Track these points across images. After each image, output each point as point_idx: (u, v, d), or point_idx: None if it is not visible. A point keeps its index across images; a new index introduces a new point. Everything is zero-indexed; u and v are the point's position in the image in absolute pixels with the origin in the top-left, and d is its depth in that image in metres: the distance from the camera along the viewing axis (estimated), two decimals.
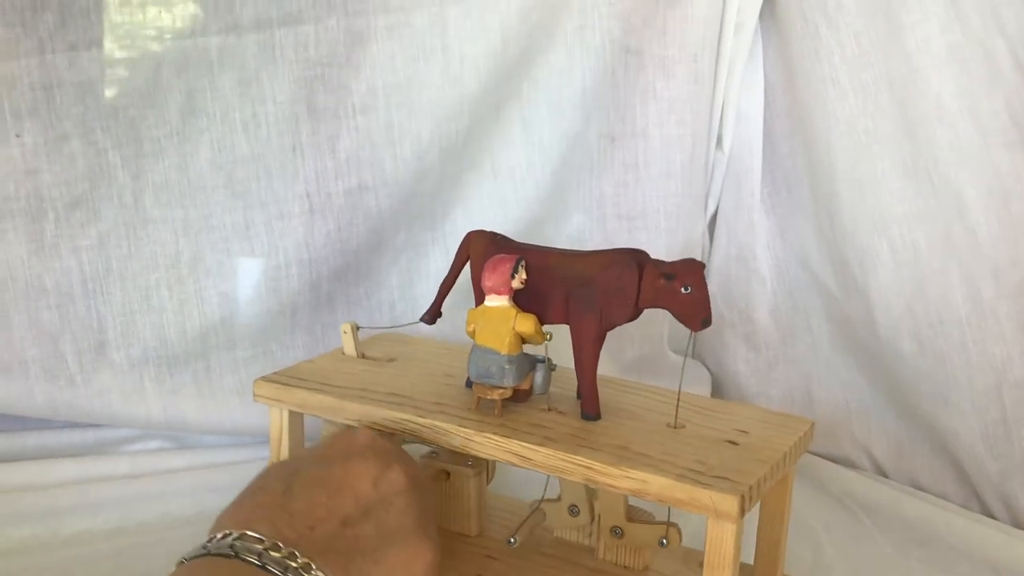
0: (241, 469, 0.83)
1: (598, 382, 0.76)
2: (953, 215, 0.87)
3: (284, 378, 0.76)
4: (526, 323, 0.69)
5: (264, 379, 0.76)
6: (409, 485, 0.61)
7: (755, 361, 1.06)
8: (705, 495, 0.60)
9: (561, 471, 0.65)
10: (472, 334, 0.70)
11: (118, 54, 0.84)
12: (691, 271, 0.66)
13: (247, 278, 0.91)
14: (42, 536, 0.82)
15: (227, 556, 0.52)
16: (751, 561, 0.74)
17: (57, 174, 0.85)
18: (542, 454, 0.65)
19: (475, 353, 0.70)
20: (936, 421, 0.91)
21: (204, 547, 0.53)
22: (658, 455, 0.64)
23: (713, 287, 1.08)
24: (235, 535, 0.53)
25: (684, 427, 0.69)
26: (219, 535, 0.54)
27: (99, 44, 0.83)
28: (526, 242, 0.75)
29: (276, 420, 0.77)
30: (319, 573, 0.53)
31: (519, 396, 0.72)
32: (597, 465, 0.63)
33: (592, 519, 0.76)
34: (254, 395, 0.76)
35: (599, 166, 1.02)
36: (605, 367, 1.02)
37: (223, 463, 0.91)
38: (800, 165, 1.00)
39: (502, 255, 0.70)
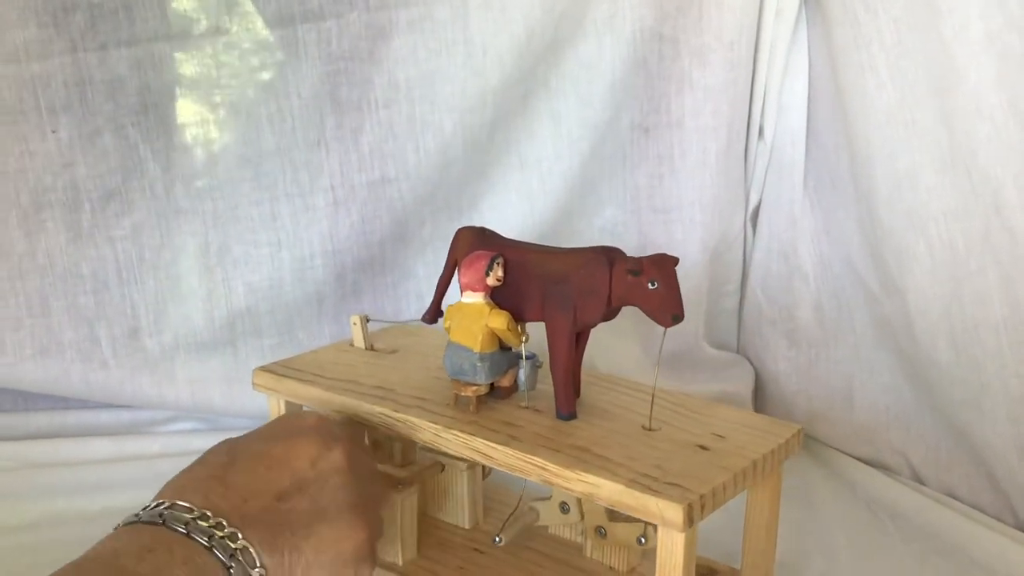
0: None
1: (588, 379, 0.76)
2: (991, 213, 0.82)
3: (280, 368, 0.78)
4: (498, 320, 0.68)
5: (262, 368, 0.78)
6: (347, 466, 0.61)
7: (796, 359, 1.02)
8: (652, 502, 0.58)
9: (520, 471, 0.64)
10: (448, 330, 0.70)
11: (145, 52, 0.88)
12: (657, 266, 0.64)
13: (273, 268, 0.94)
14: (74, 510, 0.87)
15: (155, 524, 0.54)
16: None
17: (91, 167, 0.89)
18: (503, 453, 0.65)
19: (449, 349, 0.70)
20: (971, 429, 0.86)
21: (136, 515, 0.55)
22: (618, 458, 0.63)
23: (753, 282, 1.05)
24: (166, 504, 0.55)
25: (658, 429, 0.68)
26: (153, 504, 0.56)
27: (128, 43, 0.87)
28: (517, 239, 0.74)
29: (274, 409, 0.79)
30: (245, 543, 0.55)
31: (501, 392, 0.72)
32: (552, 467, 0.62)
33: (582, 517, 0.75)
34: (253, 384, 0.78)
35: (632, 158, 1.00)
36: (638, 362, 1.02)
37: None
38: (844, 158, 0.95)
39: (479, 252, 0.70)
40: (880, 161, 0.89)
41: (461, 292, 0.70)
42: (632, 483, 0.60)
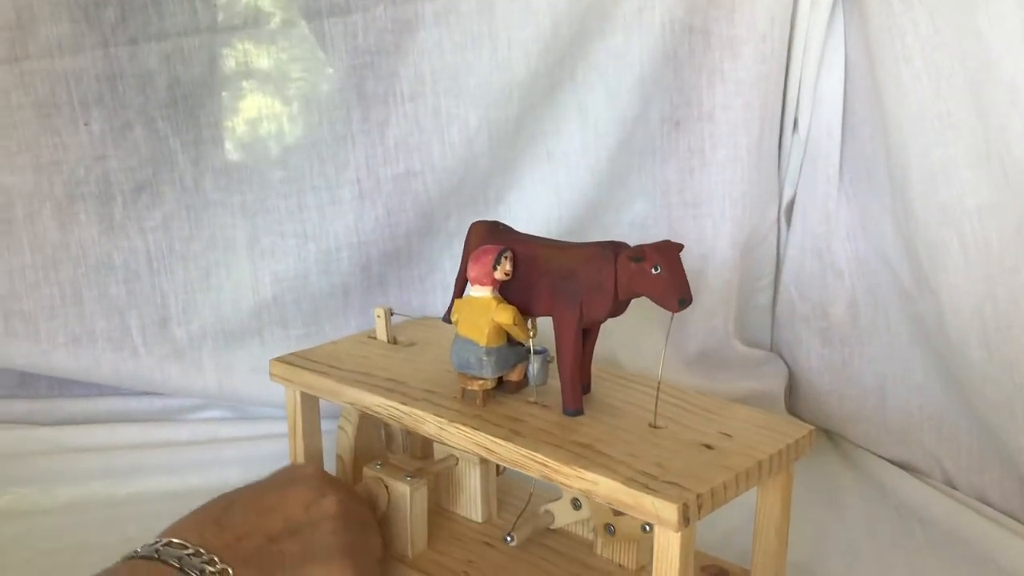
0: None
1: (601, 375, 0.75)
2: None
3: (296, 359, 0.79)
4: (505, 314, 0.68)
5: (278, 359, 0.79)
6: (339, 512, 0.64)
7: (829, 357, 1.00)
8: (648, 501, 0.58)
9: (522, 467, 0.64)
10: (455, 324, 0.70)
11: (175, 47, 0.89)
12: (659, 251, 0.64)
13: (299, 260, 0.95)
14: (102, 495, 0.89)
15: (151, 559, 0.57)
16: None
17: (123, 160, 0.91)
18: (505, 448, 0.65)
19: (456, 343, 0.70)
20: (1003, 432, 0.83)
21: (135, 551, 0.58)
22: (620, 456, 0.62)
23: (786, 278, 1.03)
24: (163, 541, 0.58)
25: (664, 427, 0.67)
26: (152, 541, 0.59)
27: (157, 37, 0.88)
28: (544, 233, 0.74)
29: (291, 399, 0.80)
30: None
31: (510, 387, 0.72)
32: (552, 463, 0.62)
33: (592, 514, 0.75)
34: (270, 374, 0.79)
35: (662, 151, 0.99)
36: (668, 361, 1.01)
37: (274, 434, 0.95)
38: (880, 151, 0.93)
39: (487, 246, 0.70)
40: (914, 154, 0.86)
41: (469, 286, 0.70)
42: (630, 481, 0.59)
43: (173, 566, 0.56)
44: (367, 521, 0.69)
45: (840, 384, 0.99)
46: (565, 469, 0.61)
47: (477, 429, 0.66)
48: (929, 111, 0.85)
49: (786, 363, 1.05)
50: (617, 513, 0.72)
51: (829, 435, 1.02)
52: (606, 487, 0.60)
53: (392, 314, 0.83)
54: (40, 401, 0.97)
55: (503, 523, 0.79)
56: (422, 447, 0.85)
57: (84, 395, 0.97)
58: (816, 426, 1.02)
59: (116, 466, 0.91)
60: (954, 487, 0.90)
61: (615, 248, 0.66)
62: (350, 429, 0.81)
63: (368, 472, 0.77)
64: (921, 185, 0.86)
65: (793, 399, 1.06)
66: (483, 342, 0.68)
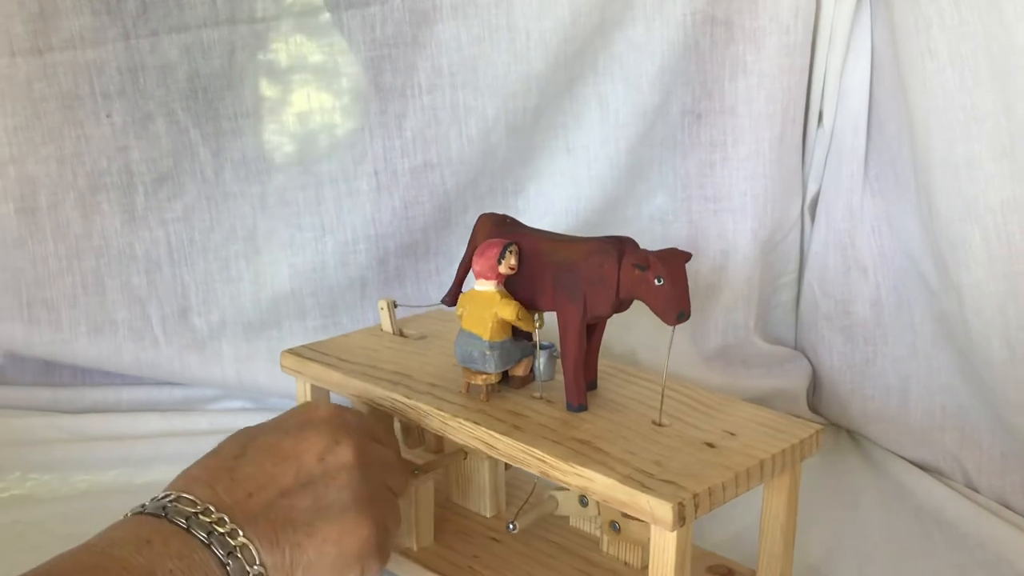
0: None
1: (610, 371, 0.75)
2: None
3: (307, 351, 0.79)
4: (508, 309, 0.68)
5: (289, 351, 0.79)
6: (355, 461, 0.61)
7: (851, 356, 0.98)
8: (643, 499, 0.57)
9: (521, 463, 0.64)
10: (460, 317, 0.70)
11: (195, 39, 0.89)
12: (664, 262, 0.63)
13: (316, 252, 0.95)
14: (121, 482, 0.90)
15: (158, 516, 0.55)
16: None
17: (144, 151, 0.92)
18: (504, 443, 0.64)
19: (460, 337, 0.70)
20: None
21: (143, 506, 0.57)
22: (618, 453, 0.62)
23: (810, 275, 1.01)
24: (172, 496, 0.57)
25: (668, 425, 0.66)
26: (161, 495, 0.58)
27: (177, 29, 0.89)
28: (546, 227, 0.73)
29: (301, 391, 0.80)
30: (245, 540, 0.56)
31: (515, 382, 0.72)
32: (550, 459, 0.62)
33: (599, 511, 0.74)
34: (281, 366, 0.80)
35: (684, 144, 0.97)
36: (686, 356, 1.00)
37: None
38: (905, 145, 0.91)
39: (492, 240, 0.69)
40: (937, 148, 0.84)
41: (474, 280, 0.70)
42: (626, 479, 0.59)
43: (179, 525, 0.55)
44: (387, 462, 0.66)
45: (862, 383, 0.97)
46: (563, 466, 0.61)
47: (478, 424, 0.66)
48: (953, 103, 0.83)
49: (810, 361, 1.04)
50: (625, 514, 0.71)
51: (852, 435, 1.00)
52: (602, 484, 0.59)
53: (396, 306, 0.83)
54: (64, 389, 0.98)
55: (515, 513, 0.79)
56: (437, 441, 0.85)
57: (107, 384, 0.98)
58: (838, 426, 1.02)
59: (135, 455, 0.92)
60: (975, 490, 0.88)
61: (619, 244, 0.65)
62: None
63: None
64: (944, 180, 0.84)
65: (816, 398, 1.04)
66: (486, 336, 0.68)
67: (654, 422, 0.66)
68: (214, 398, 1.00)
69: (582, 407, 0.68)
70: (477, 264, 0.69)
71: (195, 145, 0.92)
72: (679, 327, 0.97)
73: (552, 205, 0.97)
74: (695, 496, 0.57)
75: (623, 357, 0.97)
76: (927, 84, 0.85)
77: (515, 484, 0.82)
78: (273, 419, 0.65)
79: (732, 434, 0.65)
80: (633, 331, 1.00)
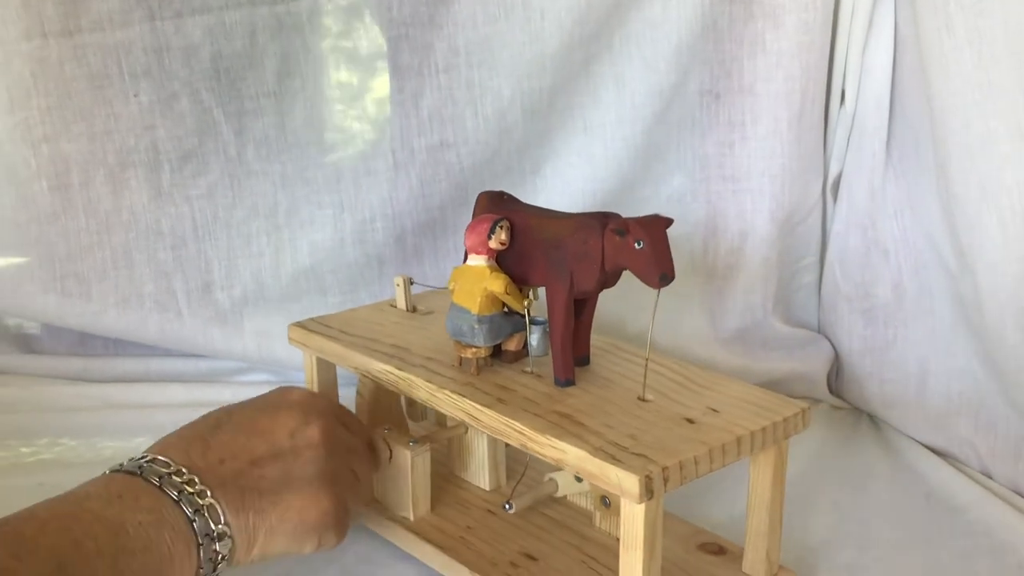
0: None
1: (606, 347, 0.75)
2: None
3: (312, 324, 0.81)
4: (497, 283, 0.68)
5: (295, 324, 0.81)
6: (322, 441, 0.65)
7: (871, 339, 0.97)
8: (612, 471, 0.58)
9: (502, 434, 0.65)
10: (451, 292, 0.71)
11: (217, 20, 0.92)
12: (643, 226, 0.63)
13: (335, 230, 0.97)
14: (141, 449, 0.93)
15: (133, 474, 0.59)
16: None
17: (170, 129, 0.94)
18: (487, 415, 0.65)
19: (451, 311, 0.71)
20: None
21: (121, 464, 0.61)
22: (596, 427, 0.62)
23: (831, 256, 1.00)
24: (148, 458, 0.61)
25: (652, 401, 0.66)
26: (138, 456, 0.61)
27: (201, 11, 0.91)
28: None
29: (308, 363, 0.82)
30: (212, 501, 0.59)
31: (508, 357, 0.72)
32: (528, 431, 0.63)
33: (591, 487, 0.74)
34: (288, 338, 0.82)
35: (702, 124, 0.97)
36: (704, 336, 1.00)
37: None
38: (926, 124, 0.89)
39: (484, 216, 0.70)
40: (954, 128, 0.83)
41: (466, 255, 0.71)
42: (598, 451, 0.59)
43: (153, 483, 0.58)
44: (353, 447, 0.69)
45: (881, 367, 0.96)
46: (539, 438, 0.62)
47: (463, 396, 0.67)
48: (970, 81, 0.81)
49: (832, 345, 1.02)
50: None
51: (872, 420, 0.99)
52: (575, 456, 0.60)
53: (412, 283, 0.84)
54: (95, 360, 1.02)
55: (511, 491, 0.80)
56: (443, 416, 0.86)
57: (136, 355, 1.02)
58: (859, 410, 1.01)
59: (158, 423, 0.93)
60: (989, 476, 0.86)
61: (604, 219, 0.66)
62: (367, 394, 0.83)
63: (374, 436, 0.79)
64: (960, 159, 0.82)
65: (839, 382, 1.03)
66: (475, 310, 0.69)
67: (639, 398, 0.67)
68: (238, 371, 1.02)
69: (569, 382, 0.68)
70: (468, 239, 0.70)
71: (218, 124, 0.95)
72: (694, 308, 0.98)
73: (568, 185, 0.97)
74: (664, 469, 0.57)
75: (637, 338, 0.97)
76: (944, 61, 0.83)
77: (516, 459, 0.83)
78: (251, 399, 0.68)
79: (715, 411, 0.65)
80: (646, 312, 0.99)
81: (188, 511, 0.58)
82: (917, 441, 0.92)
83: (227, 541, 0.59)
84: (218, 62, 0.93)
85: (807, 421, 0.66)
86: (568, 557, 0.71)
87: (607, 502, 0.73)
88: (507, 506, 0.73)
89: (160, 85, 0.93)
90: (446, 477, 0.83)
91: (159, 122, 0.94)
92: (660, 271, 0.62)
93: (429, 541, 0.73)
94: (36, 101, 0.92)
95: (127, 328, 0.98)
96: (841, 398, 1.02)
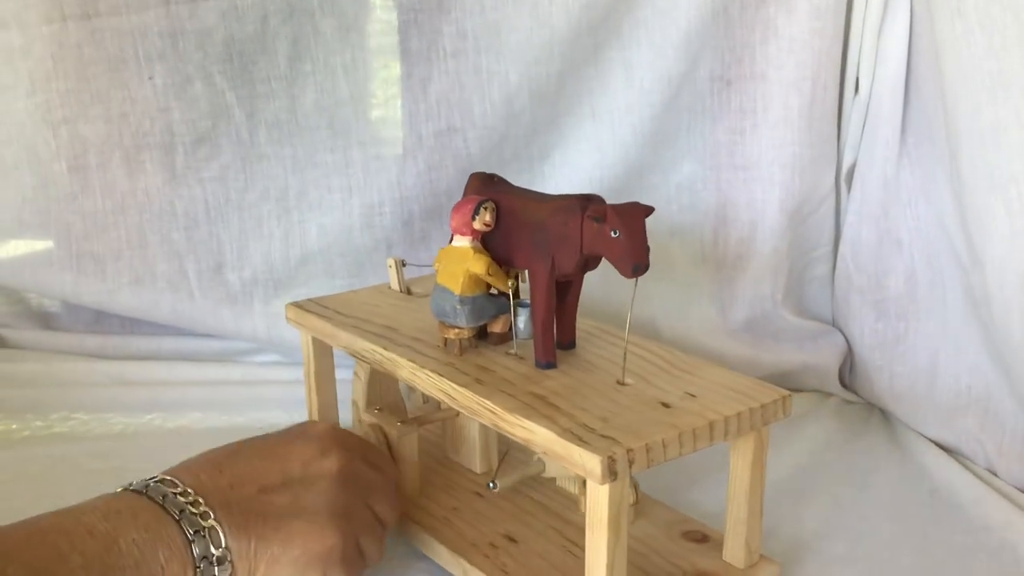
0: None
1: (596, 332, 0.75)
2: None
3: (309, 304, 0.82)
4: (479, 264, 0.68)
5: (293, 304, 0.82)
6: (338, 473, 0.64)
7: (883, 332, 0.95)
8: (576, 452, 0.57)
9: (475, 414, 0.65)
10: (436, 272, 0.71)
11: (230, 5, 0.93)
12: (621, 214, 0.62)
13: (344, 214, 0.98)
14: (151, 426, 0.95)
15: (139, 493, 0.59)
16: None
17: (184, 112, 0.96)
18: (463, 395, 0.65)
19: (435, 291, 0.71)
20: None
21: (130, 483, 0.60)
22: (568, 409, 0.62)
23: (844, 247, 0.98)
24: (157, 478, 0.60)
25: (631, 384, 0.66)
26: (149, 477, 0.61)
27: None
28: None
29: (305, 343, 0.83)
30: (215, 524, 0.58)
31: (493, 338, 0.72)
32: (499, 411, 0.63)
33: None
34: (286, 318, 0.83)
35: (713, 111, 0.96)
36: (711, 327, 0.99)
37: None
38: (940, 113, 0.87)
39: (469, 197, 0.70)
40: (964, 115, 0.81)
41: (451, 236, 0.71)
42: (565, 432, 0.59)
43: (156, 502, 0.58)
44: (375, 485, 0.67)
45: (891, 361, 0.94)
46: (509, 417, 0.62)
47: (442, 376, 0.67)
48: (980, 68, 0.79)
49: (846, 338, 1.00)
50: None
51: (884, 415, 0.97)
52: (542, 437, 0.60)
53: (404, 265, 0.84)
54: (111, 337, 1.04)
55: (501, 471, 0.79)
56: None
57: (151, 334, 1.04)
58: (872, 404, 0.99)
59: (168, 400, 0.97)
60: (995, 473, 0.84)
61: (585, 202, 0.65)
62: (363, 375, 0.83)
63: (365, 417, 0.79)
64: (970, 147, 0.81)
65: (852, 376, 1.01)
66: (458, 291, 0.69)
67: (618, 381, 0.66)
68: (249, 351, 1.04)
69: (550, 364, 0.68)
70: (453, 220, 0.70)
71: (231, 107, 0.96)
72: (703, 298, 0.97)
73: (576, 172, 0.97)
74: (630, 451, 0.57)
75: (640, 328, 0.97)
76: (956, 45, 0.81)
77: (508, 442, 0.83)
78: (275, 432, 0.68)
79: (692, 395, 0.64)
80: (654, 301, 0.99)
81: (188, 531, 0.57)
82: (926, 437, 0.90)
83: (227, 566, 0.58)
84: (231, 46, 0.94)
85: (787, 409, 0.65)
86: (548, 540, 0.71)
87: None
88: (491, 485, 0.73)
89: (174, 69, 0.95)
90: (439, 460, 0.83)
91: (174, 105, 0.96)
92: (634, 262, 0.62)
93: (413, 520, 0.74)
94: (56, 84, 0.94)
95: (140, 307, 1.00)
96: (855, 392, 1.01)
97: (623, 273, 0.63)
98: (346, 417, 0.85)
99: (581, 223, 0.64)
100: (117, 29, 0.93)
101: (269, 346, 1.02)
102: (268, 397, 0.98)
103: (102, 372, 1.00)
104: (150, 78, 0.95)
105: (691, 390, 0.65)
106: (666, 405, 0.63)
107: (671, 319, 0.98)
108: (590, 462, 0.56)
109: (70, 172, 0.97)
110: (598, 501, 0.58)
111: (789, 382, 1.00)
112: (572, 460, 0.58)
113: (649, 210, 0.64)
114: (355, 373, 0.84)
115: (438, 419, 0.81)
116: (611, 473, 0.56)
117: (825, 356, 0.99)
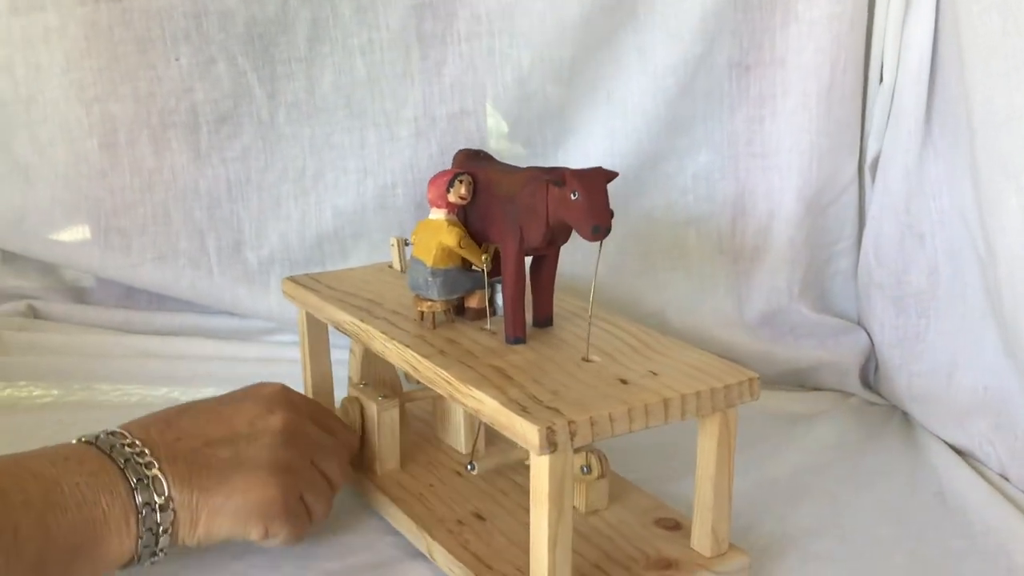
0: (341, 368, 0.91)
1: (575, 309, 0.73)
2: None
3: (305, 279, 0.83)
4: (451, 236, 0.68)
5: (289, 278, 0.83)
6: (282, 429, 0.66)
7: (903, 329, 0.91)
8: (518, 422, 0.56)
9: (433, 383, 0.64)
10: (413, 245, 0.71)
11: None
12: (580, 177, 0.61)
13: (358, 195, 0.99)
14: (165, 397, 0.97)
15: (90, 443, 0.62)
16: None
17: (208, 92, 0.98)
18: (424, 365, 0.65)
19: (411, 264, 0.71)
20: None
21: (81, 436, 0.63)
22: (523, 381, 0.61)
23: (867, 241, 0.94)
24: (108, 431, 0.63)
25: (595, 361, 0.64)
26: (102, 431, 0.63)
27: None
28: (511, 163, 0.73)
29: (300, 317, 0.83)
30: (159, 474, 0.61)
31: (470, 313, 0.72)
32: (454, 381, 0.62)
33: None
34: (283, 292, 0.84)
35: (731, 98, 0.94)
36: (726, 319, 0.96)
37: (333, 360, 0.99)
38: (962, 101, 0.83)
39: (446, 170, 0.70)
40: (979, 102, 0.77)
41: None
42: (511, 403, 0.58)
43: (104, 452, 0.60)
44: (322, 444, 0.69)
45: (910, 359, 0.90)
46: (462, 388, 0.61)
47: (408, 347, 0.67)
48: (996, 52, 0.75)
49: (869, 336, 0.97)
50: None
51: (905, 416, 0.93)
52: (489, 407, 0.59)
53: (407, 244, 0.84)
54: (138, 312, 1.07)
55: (487, 454, 0.79)
56: None
57: (174, 310, 1.06)
58: (892, 406, 0.95)
59: (182, 374, 0.99)
60: (1006, 477, 0.79)
61: (551, 173, 0.64)
62: (358, 352, 0.84)
63: (350, 392, 0.80)
64: (984, 135, 0.77)
65: (876, 376, 0.97)
66: (430, 263, 0.69)
67: (583, 358, 0.65)
68: (267, 330, 1.05)
69: (519, 340, 0.67)
70: (429, 192, 0.70)
71: (252, 88, 0.98)
72: (719, 290, 0.94)
73: (589, 158, 0.95)
74: (571, 423, 0.56)
75: (650, 317, 0.95)
76: (973, 32, 0.78)
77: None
78: (230, 392, 0.71)
79: (655, 374, 0.63)
80: (666, 291, 0.97)
81: (132, 479, 0.59)
82: (941, 439, 0.86)
83: (169, 513, 0.60)
84: (252, 27, 0.96)
85: (755, 391, 0.63)
86: (515, 519, 0.70)
87: (586, 470, 0.71)
88: (470, 466, 0.73)
89: (198, 49, 0.97)
90: (427, 438, 0.83)
91: (198, 85, 0.98)
92: (593, 223, 0.61)
93: (387, 494, 0.74)
94: (89, 63, 0.98)
95: (162, 282, 1.02)
96: (878, 394, 0.97)
97: (584, 235, 0.61)
98: (341, 394, 0.85)
99: (547, 193, 0.63)
100: (145, 10, 0.96)
101: (284, 325, 1.03)
102: (281, 374, 0.97)
103: (126, 345, 1.03)
104: (176, 59, 0.97)
105: (655, 369, 0.63)
106: (624, 381, 0.61)
107: (683, 311, 0.96)
108: (529, 432, 0.55)
109: (100, 149, 1.00)
110: (539, 473, 0.57)
111: (806, 379, 0.98)
112: (514, 430, 0.57)
113: (611, 175, 0.62)
114: (351, 350, 0.85)
115: (420, 397, 0.81)
116: (550, 444, 0.55)
117: (845, 354, 0.95)
